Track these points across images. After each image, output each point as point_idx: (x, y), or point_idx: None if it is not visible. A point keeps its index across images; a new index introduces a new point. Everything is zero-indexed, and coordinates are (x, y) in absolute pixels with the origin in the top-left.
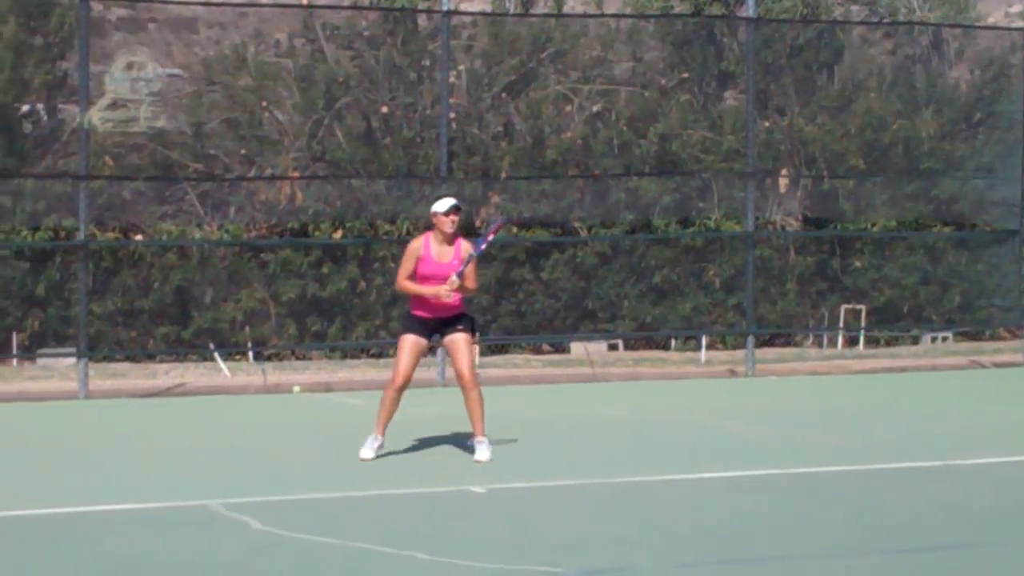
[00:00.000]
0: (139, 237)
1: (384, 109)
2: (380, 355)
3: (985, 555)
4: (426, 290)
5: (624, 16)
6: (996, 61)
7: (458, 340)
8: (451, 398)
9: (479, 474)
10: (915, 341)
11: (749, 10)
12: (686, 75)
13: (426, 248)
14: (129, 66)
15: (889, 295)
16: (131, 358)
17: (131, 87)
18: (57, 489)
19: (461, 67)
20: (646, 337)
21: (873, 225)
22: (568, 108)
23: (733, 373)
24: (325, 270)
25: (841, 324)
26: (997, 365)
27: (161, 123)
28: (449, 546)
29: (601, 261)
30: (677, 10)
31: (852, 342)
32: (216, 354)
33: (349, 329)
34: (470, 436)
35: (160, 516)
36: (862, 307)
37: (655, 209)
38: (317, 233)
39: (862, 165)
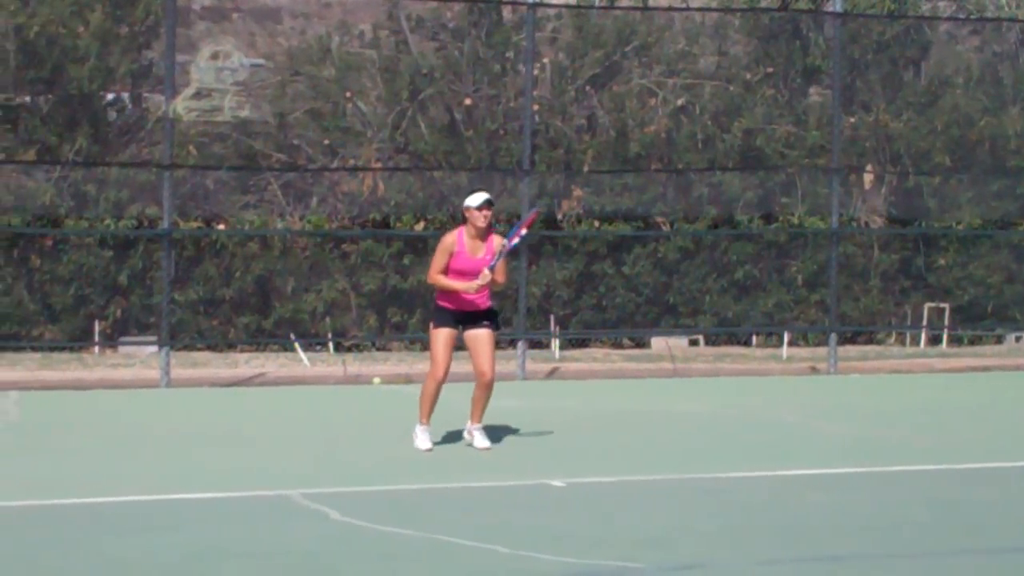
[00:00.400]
0: (221, 227)
1: (468, 101)
2: (460, 347)
3: None
4: (458, 284)
5: (710, 10)
6: None
7: (481, 336)
8: (531, 392)
9: (558, 468)
10: (999, 340)
11: (836, 5)
12: (771, 70)
13: (459, 243)
14: (214, 56)
15: (973, 293)
16: (212, 347)
17: (216, 77)
18: (138, 477)
19: (545, 60)
20: (727, 333)
21: (958, 223)
22: (652, 102)
23: (815, 370)
24: (406, 261)
25: (924, 322)
26: None
27: (245, 113)
28: (529, 540)
29: (683, 256)
30: (763, 4)
31: (935, 340)
32: (297, 344)
33: (429, 321)
34: (468, 423)
35: (240, 505)
36: (946, 305)
37: (738, 204)
38: (399, 224)
39: (948, 162)
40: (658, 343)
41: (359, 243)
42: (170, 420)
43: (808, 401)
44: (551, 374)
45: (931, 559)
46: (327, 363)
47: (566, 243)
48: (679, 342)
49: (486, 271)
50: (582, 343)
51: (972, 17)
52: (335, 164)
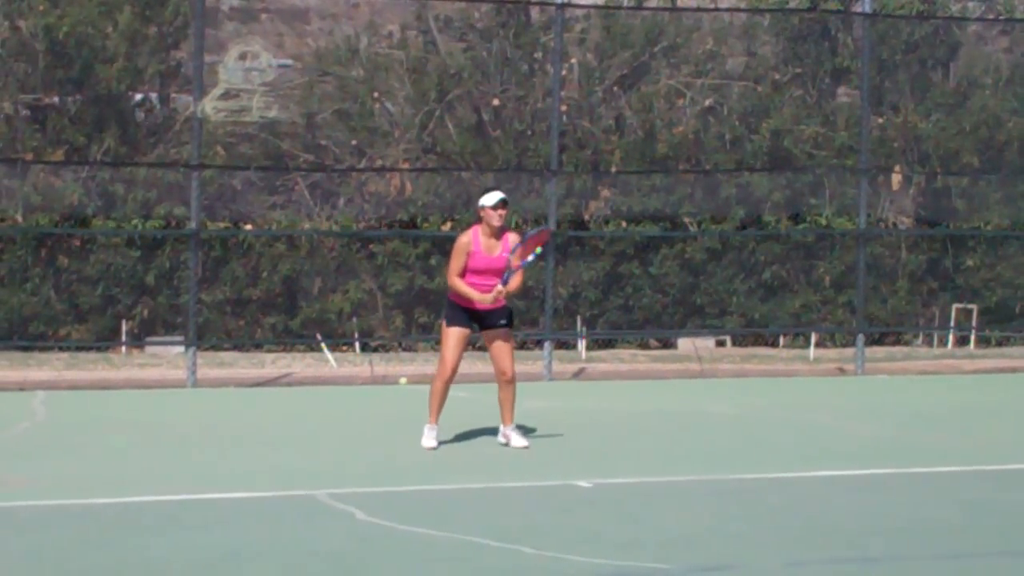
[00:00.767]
0: (249, 227)
1: (495, 102)
2: (485, 348)
3: None
4: (473, 294)
5: (738, 10)
6: None
7: (499, 335)
8: (558, 392)
9: (585, 468)
10: None
11: (865, 6)
12: (799, 70)
13: (475, 242)
14: (243, 56)
15: (1001, 295)
16: (239, 347)
17: (244, 77)
18: (165, 477)
19: (573, 60)
20: (754, 334)
21: (986, 224)
22: (680, 102)
23: (842, 371)
24: (433, 262)
25: (952, 323)
26: None
27: (273, 113)
28: (556, 540)
29: (710, 256)
30: (792, 5)
31: (963, 342)
32: (323, 344)
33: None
34: (501, 427)
35: (266, 505)
36: (973, 306)
37: (766, 205)
38: (426, 225)
39: (976, 163)
40: (685, 344)
41: (386, 243)
42: (196, 420)
43: (836, 402)
44: (577, 375)
45: (963, 561)
46: (354, 363)
47: (593, 244)
48: (706, 343)
49: (499, 287)
50: (609, 344)
51: (1001, 18)
52: (362, 164)
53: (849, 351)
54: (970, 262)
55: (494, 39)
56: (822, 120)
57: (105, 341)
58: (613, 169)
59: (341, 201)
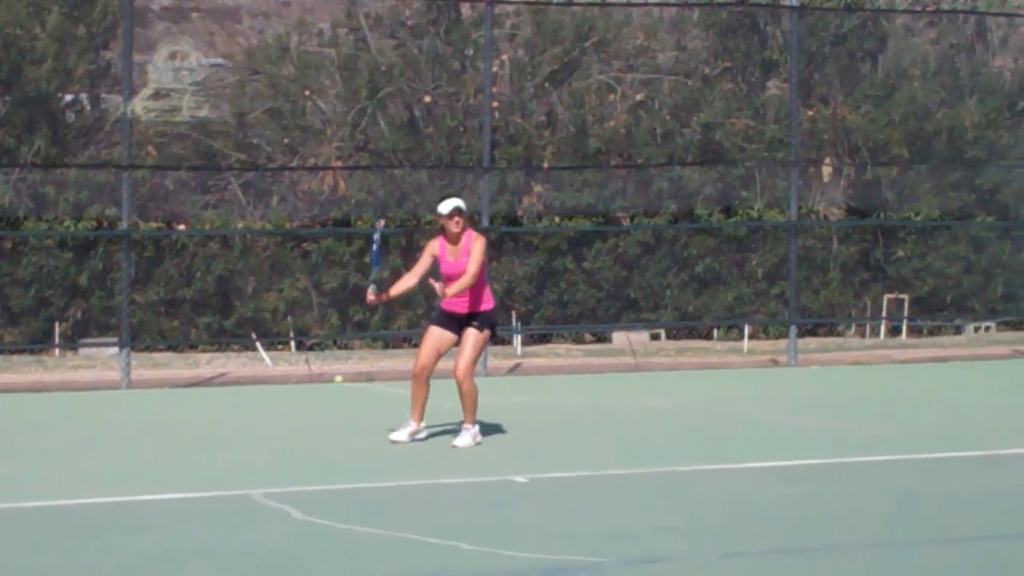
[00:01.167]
0: (182, 227)
1: (427, 98)
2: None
3: None
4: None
5: (668, 4)
6: None
7: (465, 335)
8: (493, 388)
9: (521, 464)
10: (958, 331)
11: None
12: (729, 64)
13: (441, 248)
14: (172, 56)
15: (932, 284)
16: (173, 348)
17: (174, 77)
18: (99, 479)
19: (504, 56)
20: (688, 327)
21: (916, 214)
22: (611, 97)
23: (775, 363)
24: (367, 260)
25: (884, 313)
26: None
27: (204, 113)
28: (492, 536)
29: (643, 250)
30: None
31: (895, 332)
32: (258, 344)
33: (391, 319)
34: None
35: (202, 506)
36: (905, 296)
37: (698, 198)
38: (359, 223)
39: (905, 154)
40: (619, 337)
41: (320, 242)
42: (131, 421)
43: (769, 394)
44: (513, 370)
45: (896, 549)
46: (289, 362)
47: (527, 239)
48: (640, 336)
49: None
50: (544, 339)
51: (928, 9)
52: (295, 163)
53: (782, 343)
54: (901, 252)
55: (425, 36)
56: (752, 113)
57: (38, 344)
58: (545, 165)
59: (274, 200)
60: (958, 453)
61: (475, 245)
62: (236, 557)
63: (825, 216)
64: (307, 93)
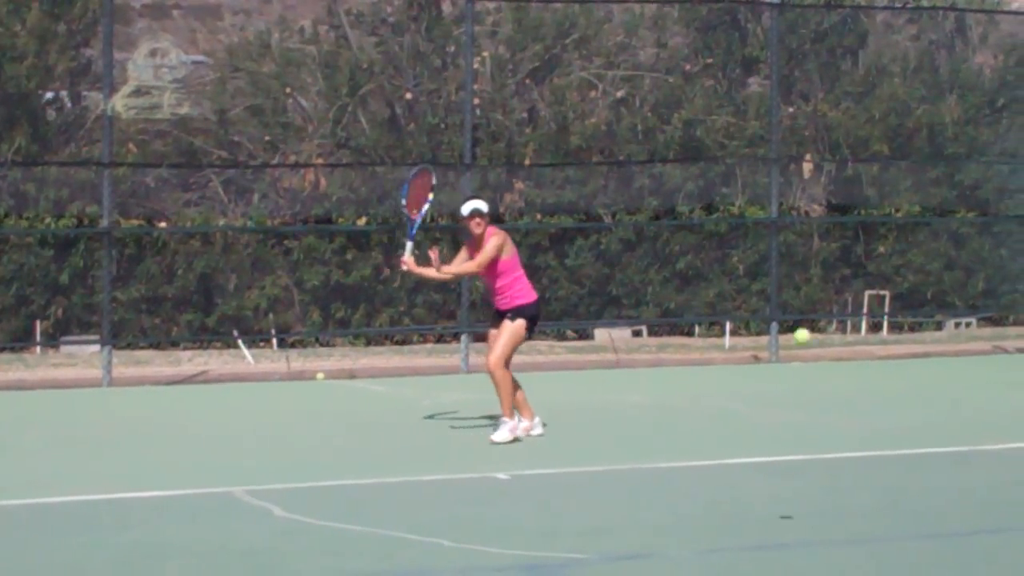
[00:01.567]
0: (163, 224)
1: (408, 96)
2: (404, 342)
3: (1013, 540)
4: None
5: (648, 1)
6: (1020, 46)
7: (501, 328)
8: (475, 385)
9: (503, 461)
10: (939, 327)
11: None
12: (710, 61)
13: (470, 251)
14: (152, 53)
15: (913, 280)
16: (155, 345)
17: (154, 74)
18: (81, 477)
19: (485, 53)
20: (670, 323)
21: (897, 211)
22: (592, 94)
23: (757, 359)
24: (349, 257)
25: (865, 310)
26: (1021, 351)
27: (185, 110)
28: (474, 533)
29: (625, 247)
30: None
31: (875, 328)
32: (240, 341)
33: (373, 316)
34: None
35: (183, 503)
36: (886, 293)
37: (679, 195)
38: (341, 220)
39: (886, 151)
40: (601, 334)
41: (301, 239)
42: (113, 419)
43: (751, 390)
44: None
45: (876, 545)
46: (271, 359)
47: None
48: (622, 333)
49: (408, 247)
50: None
51: (908, 6)
52: (276, 160)
53: (763, 339)
54: (882, 248)
55: (406, 33)
56: (733, 110)
57: (19, 342)
58: (527, 162)
59: (255, 197)
60: (939, 449)
61: (489, 241)
62: (218, 554)
63: (806, 212)
64: (288, 90)
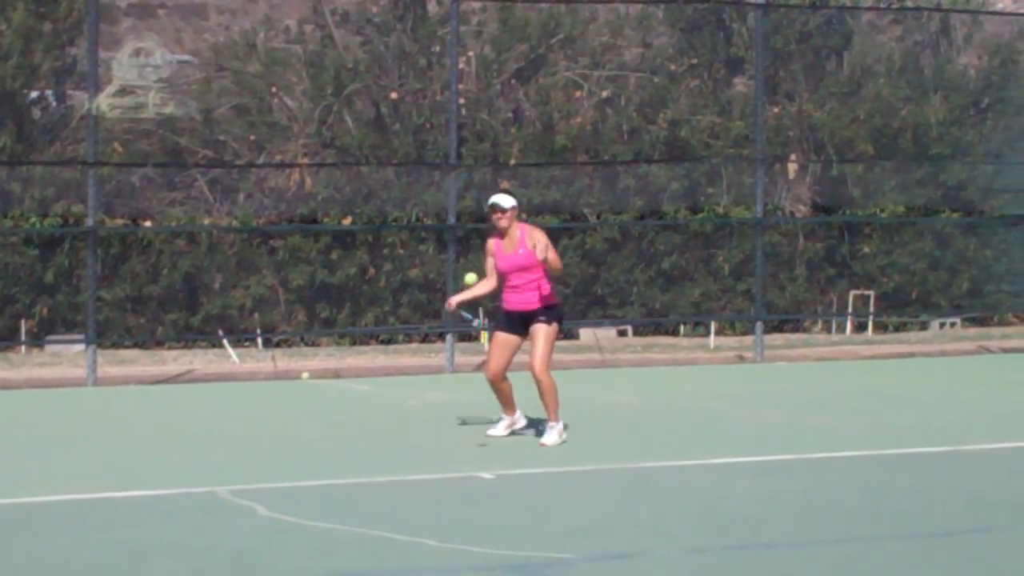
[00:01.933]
0: (148, 223)
1: (393, 95)
2: (389, 341)
3: (998, 540)
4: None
5: (634, 2)
6: (1004, 47)
7: (535, 331)
8: (460, 385)
9: (488, 460)
10: (923, 327)
11: None
12: (695, 61)
13: (496, 245)
14: (136, 52)
15: (898, 281)
16: (140, 345)
17: (139, 73)
18: (65, 477)
19: (471, 53)
20: (655, 323)
21: (882, 211)
22: (578, 94)
23: (742, 359)
24: (334, 256)
25: (850, 310)
26: (1005, 351)
27: (170, 109)
28: (459, 532)
29: (610, 247)
30: None
31: (861, 327)
32: (225, 341)
33: (358, 315)
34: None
35: (168, 503)
36: (871, 293)
37: (664, 195)
38: (326, 219)
39: (871, 151)
40: (586, 334)
41: (286, 238)
42: (97, 419)
43: (735, 390)
44: (480, 367)
45: (860, 545)
46: (256, 359)
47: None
48: (607, 333)
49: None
50: None
51: (893, 7)
52: (261, 160)
53: (748, 339)
54: (866, 249)
55: (391, 33)
56: (718, 110)
57: (4, 340)
58: (512, 161)
59: (241, 197)
60: (923, 449)
61: (537, 237)
62: (202, 554)
63: (791, 213)
64: (274, 90)
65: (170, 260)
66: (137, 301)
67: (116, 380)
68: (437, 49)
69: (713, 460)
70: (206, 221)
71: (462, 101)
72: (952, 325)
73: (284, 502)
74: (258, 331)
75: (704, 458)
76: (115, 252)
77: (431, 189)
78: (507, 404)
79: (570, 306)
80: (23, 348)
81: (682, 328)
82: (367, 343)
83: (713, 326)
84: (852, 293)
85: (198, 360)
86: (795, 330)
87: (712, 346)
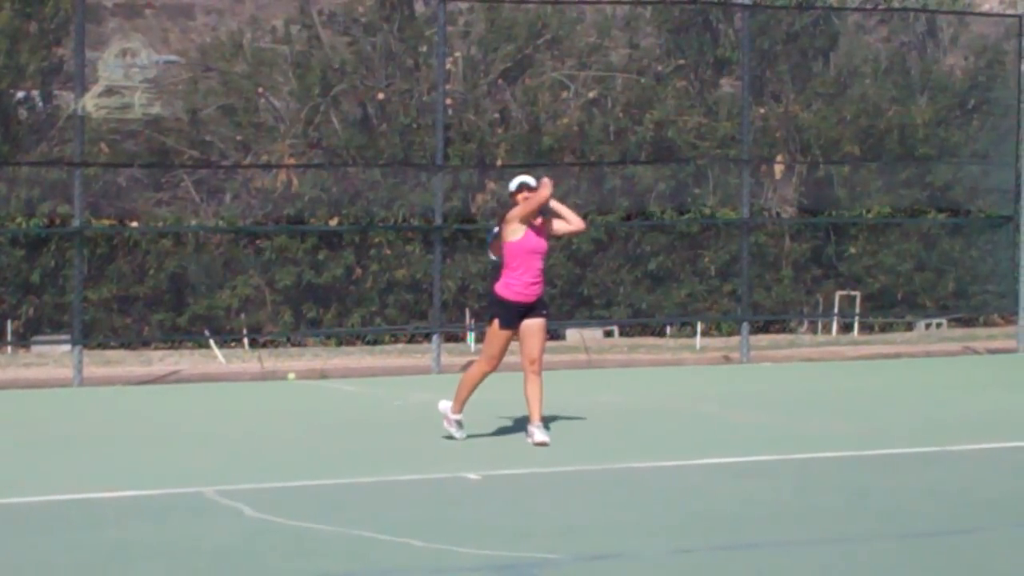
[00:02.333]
0: (134, 224)
1: (380, 96)
2: (375, 342)
3: (983, 540)
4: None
5: (620, 2)
6: (990, 48)
7: (533, 326)
8: (447, 385)
9: (474, 461)
10: (909, 327)
11: None
12: (682, 62)
13: (525, 226)
14: (122, 52)
15: (884, 281)
16: (126, 345)
17: (125, 73)
18: (51, 477)
19: (457, 53)
20: (641, 324)
21: (868, 211)
22: (564, 95)
23: (728, 359)
24: (321, 257)
25: (836, 310)
26: (991, 351)
27: (156, 110)
28: (445, 533)
29: (597, 248)
30: None
31: (846, 328)
32: (211, 341)
33: (345, 316)
34: (526, 421)
35: (154, 503)
36: (856, 293)
37: (651, 196)
38: (313, 220)
39: (857, 152)
40: (573, 335)
41: (273, 239)
42: (84, 419)
43: (722, 390)
44: (466, 367)
45: (845, 545)
46: (242, 359)
47: (480, 236)
48: (594, 333)
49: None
50: None
51: (880, 7)
52: (248, 160)
53: (734, 339)
54: (852, 249)
55: (378, 33)
56: (705, 111)
57: None
58: (499, 162)
59: (227, 197)
60: (908, 449)
61: (556, 207)
62: (188, 554)
63: (777, 213)
64: (260, 90)
65: (156, 260)
66: (123, 301)
67: (102, 380)
68: (424, 49)
69: (699, 460)
70: (193, 221)
71: (449, 102)
72: (938, 326)
73: (270, 502)
74: (244, 331)
75: (690, 458)
76: (101, 252)
77: (418, 190)
78: (465, 401)
79: (556, 306)
80: (9, 348)
81: (668, 329)
82: (353, 344)
83: (699, 327)
84: (838, 294)
85: (184, 360)
86: (781, 331)
87: (698, 347)
